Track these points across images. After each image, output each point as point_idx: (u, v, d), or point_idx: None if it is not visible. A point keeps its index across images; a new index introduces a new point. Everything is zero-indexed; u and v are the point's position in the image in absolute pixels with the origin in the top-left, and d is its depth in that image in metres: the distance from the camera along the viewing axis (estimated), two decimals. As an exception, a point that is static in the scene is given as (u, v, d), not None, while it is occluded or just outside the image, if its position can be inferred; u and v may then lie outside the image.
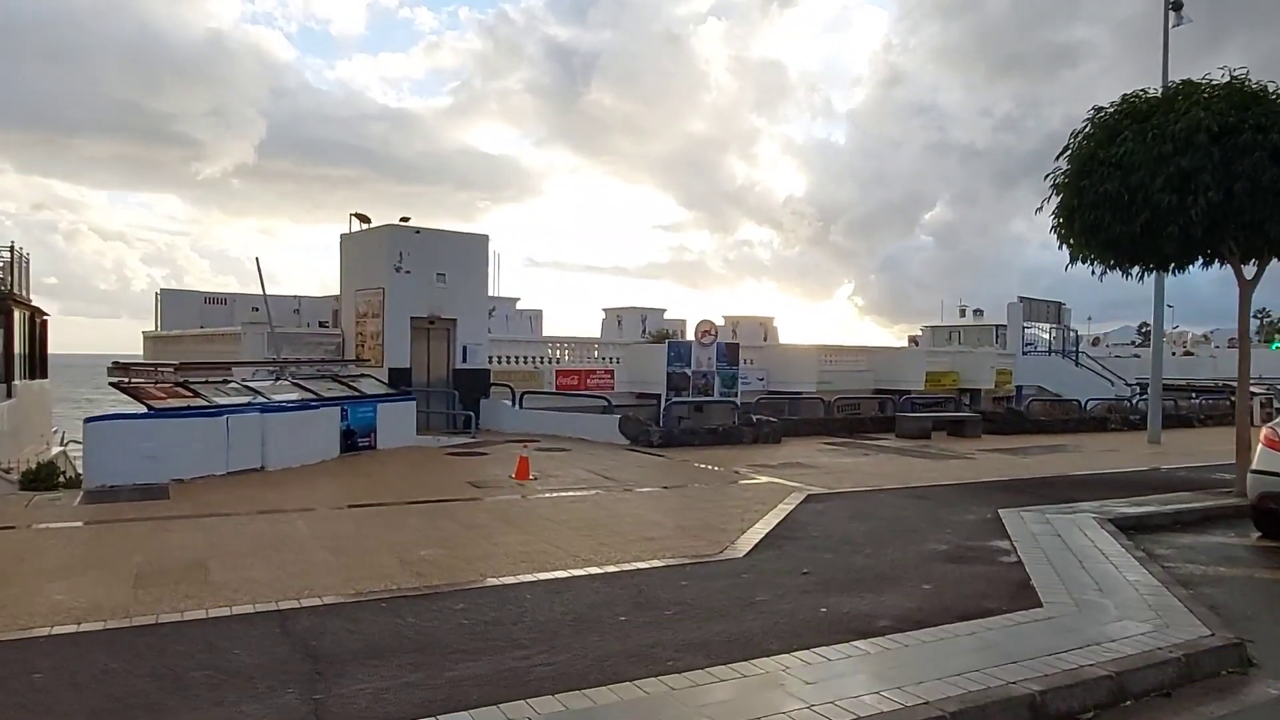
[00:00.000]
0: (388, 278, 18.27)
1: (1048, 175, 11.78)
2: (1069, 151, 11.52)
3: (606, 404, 18.52)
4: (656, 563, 7.11)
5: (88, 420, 10.93)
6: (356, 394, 14.86)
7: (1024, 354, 40.24)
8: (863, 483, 12.20)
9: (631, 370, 25.30)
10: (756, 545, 7.79)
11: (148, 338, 25.31)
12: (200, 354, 21.56)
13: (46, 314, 26.96)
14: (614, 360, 25.40)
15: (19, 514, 9.14)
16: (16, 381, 22.19)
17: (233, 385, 13.02)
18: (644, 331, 35.60)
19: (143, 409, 11.17)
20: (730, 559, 7.28)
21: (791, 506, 10.00)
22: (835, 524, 9.03)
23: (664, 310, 37.57)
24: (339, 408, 13.97)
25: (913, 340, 56.67)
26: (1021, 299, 41.52)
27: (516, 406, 19.21)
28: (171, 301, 25.12)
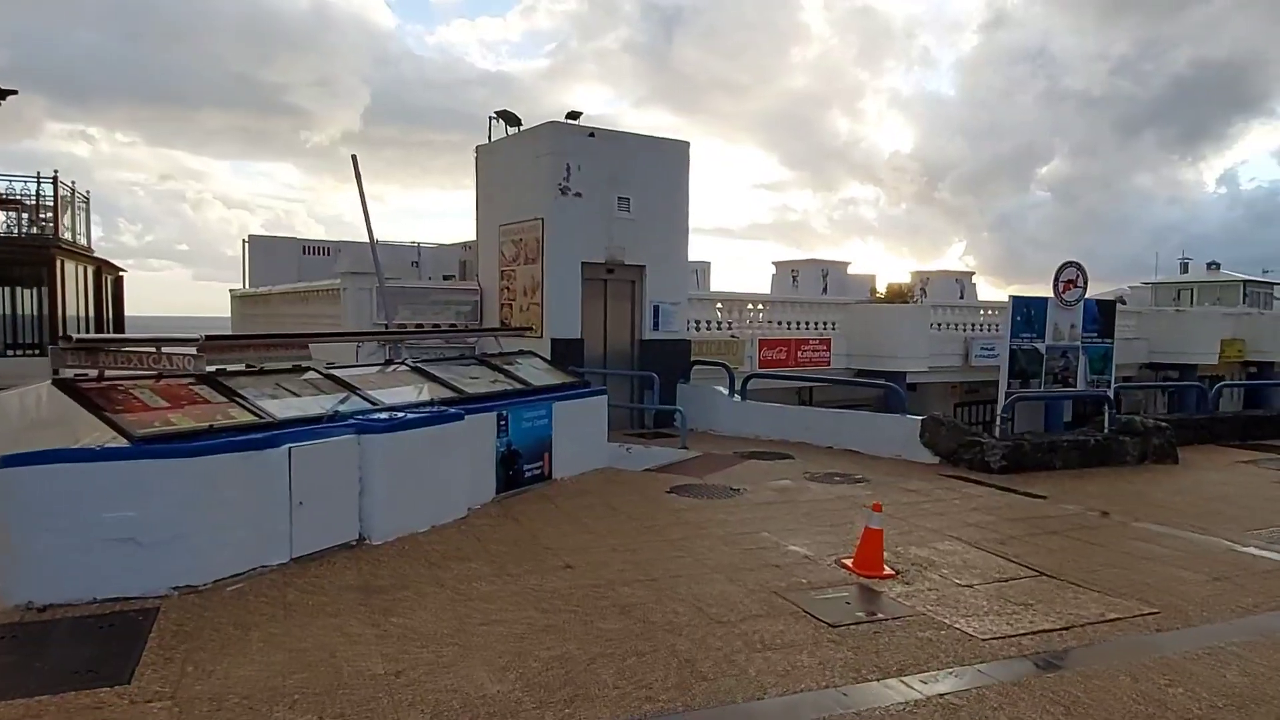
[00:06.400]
0: (550, 204, 12.12)
1: None
2: None
3: (897, 394, 11.90)
4: None
5: (2, 462, 5.11)
6: (519, 386, 8.79)
7: (1312, 316, 31.17)
8: None
9: (853, 340, 18.67)
10: None
11: (235, 297, 20.18)
12: (292, 317, 16.13)
13: (122, 269, 22.29)
14: (829, 326, 18.79)
15: None
16: (70, 354, 17.21)
17: (310, 376, 7.11)
18: (825, 289, 28.89)
19: (115, 438, 5.29)
20: None
21: None
22: None
23: (848, 264, 30.50)
24: (494, 413, 7.93)
25: (1118, 300, 47.39)
26: (1309, 246, 32.38)
27: (735, 396, 12.86)
28: (262, 251, 19.84)
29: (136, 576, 5.13)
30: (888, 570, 5.99)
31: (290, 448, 5.79)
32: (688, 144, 13.33)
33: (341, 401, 6.85)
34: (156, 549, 5.17)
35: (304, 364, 7.28)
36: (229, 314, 21.03)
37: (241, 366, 7.14)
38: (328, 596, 5.29)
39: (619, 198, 12.55)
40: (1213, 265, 44.25)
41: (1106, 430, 10.82)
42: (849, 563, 6.15)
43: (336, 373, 7.37)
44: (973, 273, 33.44)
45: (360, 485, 6.29)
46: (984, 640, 4.73)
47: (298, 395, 6.68)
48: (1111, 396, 11.03)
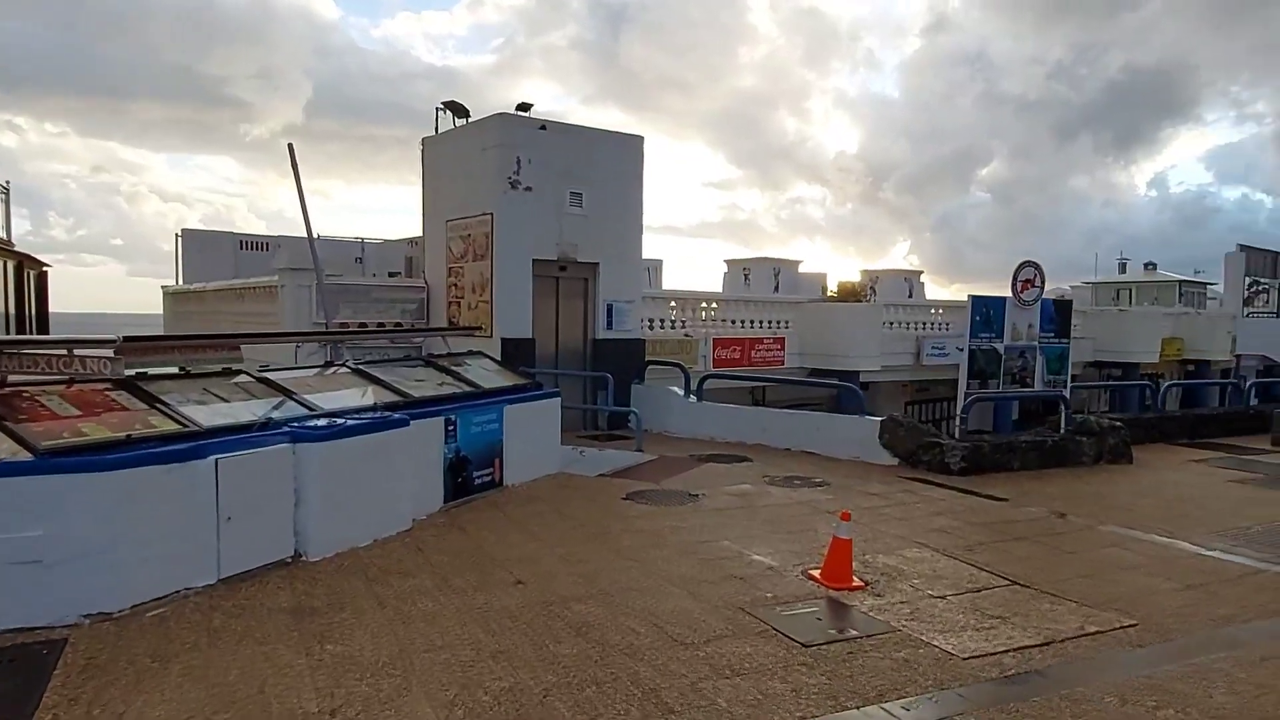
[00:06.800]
0: (499, 198, 11.70)
1: None
2: None
3: (856, 395, 11.67)
4: None
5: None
6: (468, 389, 8.37)
7: (1245, 316, 32.09)
8: None
9: (806, 339, 18.54)
10: None
11: (167, 294, 19.28)
12: (228, 315, 15.41)
13: (46, 264, 21.22)
14: (783, 325, 18.64)
15: None
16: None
17: (241, 380, 6.60)
18: (776, 287, 28.84)
19: (17, 451, 4.77)
20: None
21: None
22: None
23: (799, 262, 30.50)
24: (441, 417, 7.50)
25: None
26: (1242, 247, 33.25)
27: (690, 396, 12.58)
28: (196, 245, 18.99)
29: (42, 604, 4.63)
30: (856, 581, 5.74)
31: (217, 459, 5.31)
32: (642, 138, 13.02)
33: (275, 407, 6.37)
34: (65, 573, 4.67)
35: (235, 366, 6.78)
36: (161, 311, 20.10)
37: (174, 370, 6.62)
38: (257, 620, 4.84)
39: (571, 193, 12.17)
40: (1149, 266, 45.40)
41: (1063, 430, 10.79)
42: (816, 574, 5.88)
43: (270, 376, 6.88)
44: (921, 272, 33.75)
45: (295, 497, 5.83)
46: (964, 659, 4.49)
47: (227, 401, 6.18)
48: (1068, 396, 11.02)
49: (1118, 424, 11.09)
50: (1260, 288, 33.79)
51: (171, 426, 5.48)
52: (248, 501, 5.49)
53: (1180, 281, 42.54)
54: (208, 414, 5.79)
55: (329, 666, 4.24)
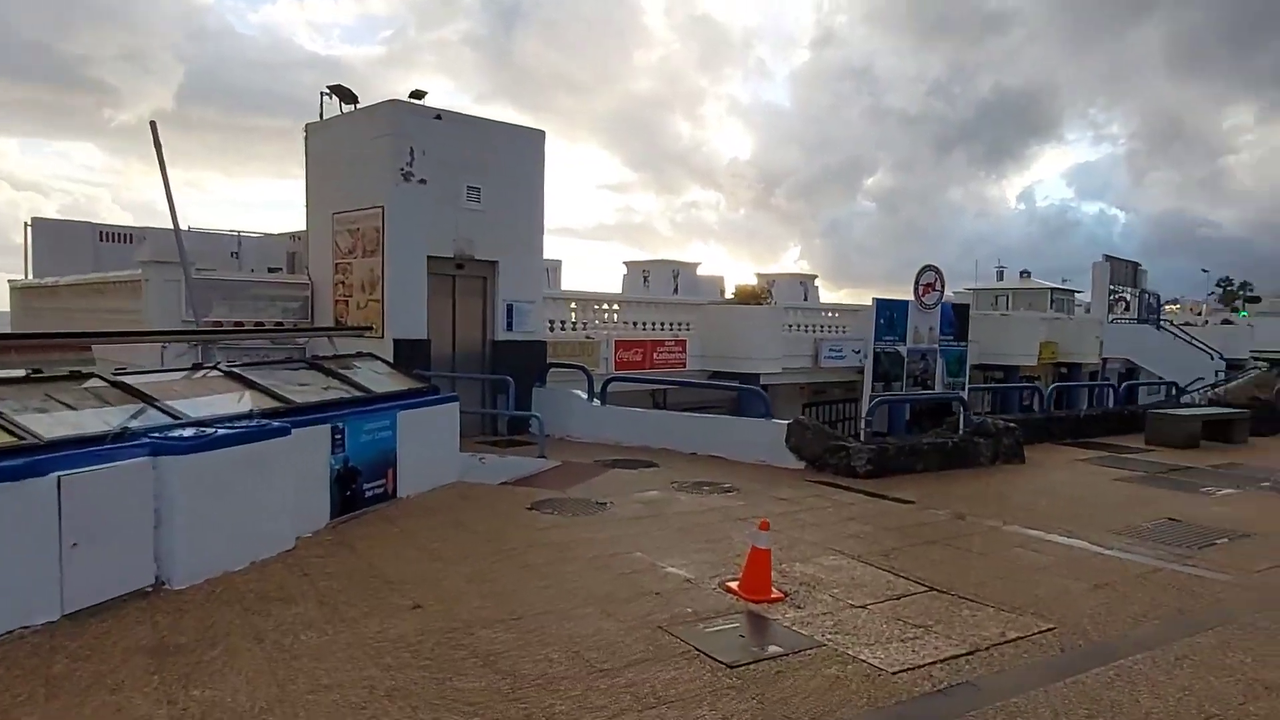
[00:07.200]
0: (391, 190, 11.03)
1: None
2: None
3: (761, 398, 11.44)
4: None
5: None
6: (358, 394, 7.74)
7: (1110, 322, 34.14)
8: None
9: (707, 341, 18.46)
10: None
11: (15, 289, 17.53)
12: (86, 313, 14.08)
13: None
14: (684, 327, 18.49)
15: None
16: None
17: (93, 385, 5.82)
18: (676, 289, 28.85)
19: None
20: None
21: None
22: None
23: (698, 264, 30.70)
24: (328, 425, 6.88)
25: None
26: (1107, 257, 35.34)
27: (594, 400, 12.20)
28: (49, 236, 17.33)
29: None
30: (776, 592, 5.50)
31: (60, 476, 4.60)
32: (543, 133, 12.57)
33: (133, 415, 5.64)
34: None
35: (85, 369, 5.99)
36: (8, 309, 18.28)
37: (11, 374, 5.80)
38: (109, 663, 4.19)
39: (468, 187, 11.62)
40: (1025, 273, 47.87)
41: (962, 432, 10.97)
42: (734, 585, 5.62)
43: (128, 380, 6.11)
44: (815, 276, 34.53)
45: (156, 518, 5.16)
46: (894, 674, 4.29)
47: (74, 409, 5.43)
48: (966, 398, 11.22)
49: (1012, 425, 11.36)
50: (1119, 295, 36.02)
51: (4, 439, 4.73)
52: (98, 524, 4.80)
53: (1051, 289, 44.96)
54: (50, 424, 5.04)
55: (195, 716, 3.67)
